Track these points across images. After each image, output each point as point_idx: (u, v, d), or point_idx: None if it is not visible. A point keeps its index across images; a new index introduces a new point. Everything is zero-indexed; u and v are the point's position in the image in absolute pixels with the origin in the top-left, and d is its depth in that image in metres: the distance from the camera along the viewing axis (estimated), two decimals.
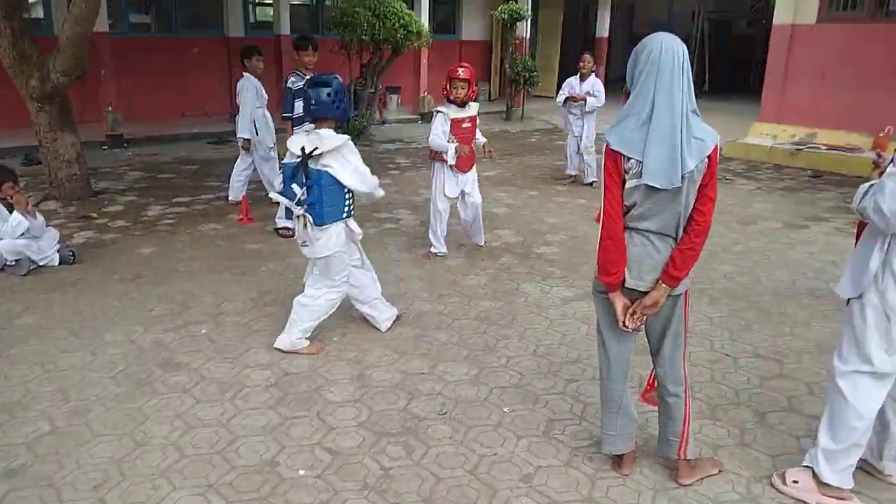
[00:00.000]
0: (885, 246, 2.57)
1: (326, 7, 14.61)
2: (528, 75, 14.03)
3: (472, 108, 5.51)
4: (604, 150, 2.61)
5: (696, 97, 2.53)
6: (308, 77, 5.30)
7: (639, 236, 2.61)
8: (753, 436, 3.25)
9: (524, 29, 14.82)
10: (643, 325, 2.76)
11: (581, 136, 8.44)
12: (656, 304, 2.63)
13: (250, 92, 6.66)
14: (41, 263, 5.31)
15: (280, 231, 6.38)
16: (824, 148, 9.98)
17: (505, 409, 3.46)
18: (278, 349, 4.03)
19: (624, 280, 2.64)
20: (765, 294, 5.05)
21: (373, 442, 3.17)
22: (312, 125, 4.03)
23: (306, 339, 4.06)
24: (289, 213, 4.36)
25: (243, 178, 7.14)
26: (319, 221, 3.84)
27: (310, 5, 14.73)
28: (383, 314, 4.35)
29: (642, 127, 2.49)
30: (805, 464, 2.85)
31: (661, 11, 20.57)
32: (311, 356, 3.98)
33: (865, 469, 2.93)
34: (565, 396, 3.60)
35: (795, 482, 2.82)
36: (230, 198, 7.26)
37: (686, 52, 2.51)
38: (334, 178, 3.80)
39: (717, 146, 2.54)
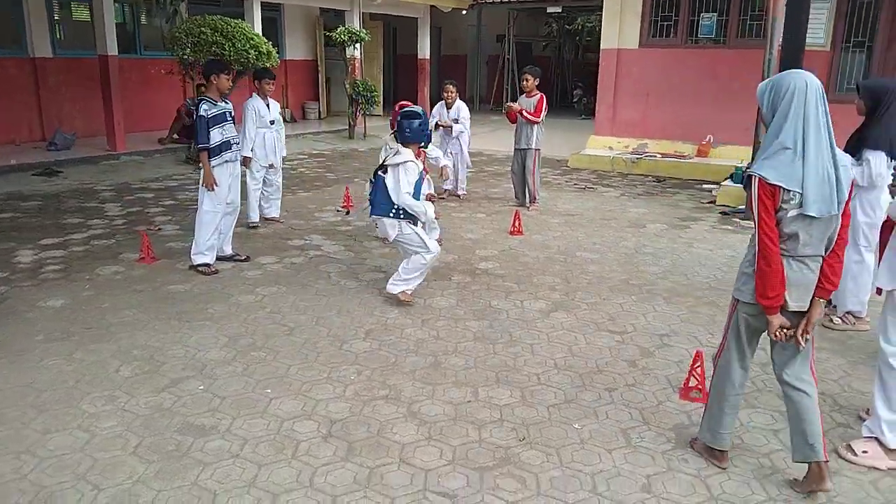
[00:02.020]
0: None
1: (145, 26, 13.47)
2: (368, 95, 14.03)
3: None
4: (755, 185, 2.70)
5: None
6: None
7: (797, 263, 2.76)
8: None
9: (358, 50, 14.77)
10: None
11: (458, 154, 8.71)
12: (819, 316, 2.85)
13: (251, 112, 6.91)
14: None
15: (200, 268, 5.78)
16: (659, 156, 11.21)
17: (575, 426, 3.49)
18: (389, 292, 5.06)
19: (784, 303, 2.79)
20: (704, 289, 5.59)
21: (478, 478, 3.04)
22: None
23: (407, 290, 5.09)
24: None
25: (258, 197, 7.28)
26: (371, 212, 5.01)
27: (125, 24, 13.44)
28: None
29: (797, 160, 2.65)
30: (867, 435, 3.24)
31: (465, 34, 21.62)
32: (353, 398, 3.70)
33: None
34: (617, 405, 3.71)
35: (865, 452, 3.20)
36: (253, 220, 7.23)
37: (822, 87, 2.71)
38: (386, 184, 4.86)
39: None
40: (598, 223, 7.78)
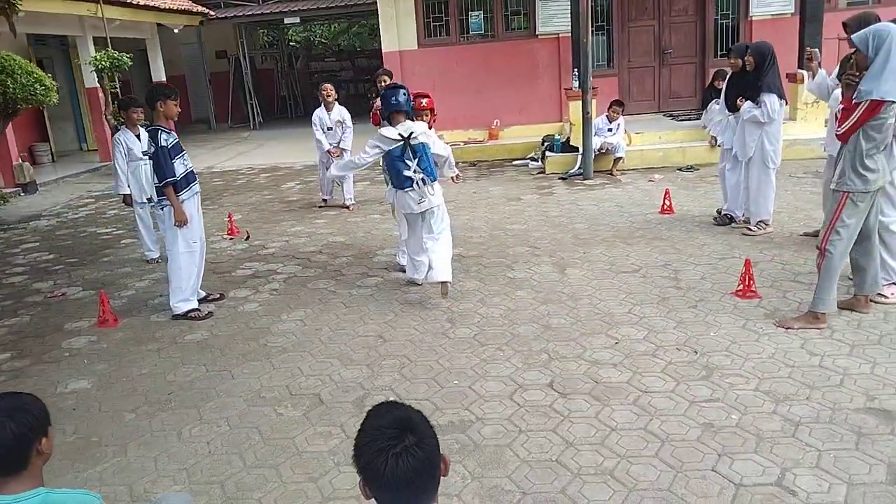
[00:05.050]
0: None
1: None
2: None
3: None
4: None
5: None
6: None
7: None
8: None
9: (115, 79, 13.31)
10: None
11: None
12: None
13: (121, 146, 6.75)
14: None
15: (190, 315, 5.24)
16: (462, 144, 12.32)
17: (711, 334, 4.27)
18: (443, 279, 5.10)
19: None
20: (639, 230, 6.69)
21: (712, 389, 3.67)
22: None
23: None
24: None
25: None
26: (434, 178, 5.26)
27: None
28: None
29: None
30: (887, 282, 4.56)
31: (180, 53, 20.44)
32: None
33: None
34: (715, 314, 4.56)
35: (893, 293, 4.53)
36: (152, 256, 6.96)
37: None
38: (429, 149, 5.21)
39: None
40: (482, 203, 8.50)
